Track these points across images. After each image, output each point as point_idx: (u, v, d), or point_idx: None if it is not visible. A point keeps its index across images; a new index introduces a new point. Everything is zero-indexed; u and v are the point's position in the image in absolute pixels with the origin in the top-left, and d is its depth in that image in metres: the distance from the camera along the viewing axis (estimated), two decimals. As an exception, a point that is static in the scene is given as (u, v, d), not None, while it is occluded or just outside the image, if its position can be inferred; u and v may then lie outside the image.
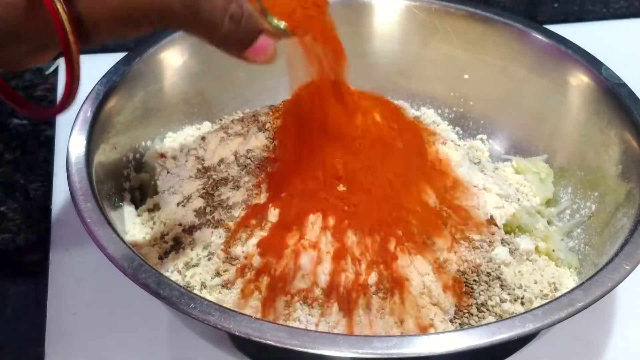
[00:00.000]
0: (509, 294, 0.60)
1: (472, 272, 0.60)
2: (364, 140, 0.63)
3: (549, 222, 0.70)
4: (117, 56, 0.70)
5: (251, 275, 0.57)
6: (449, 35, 0.79)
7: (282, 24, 0.54)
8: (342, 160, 0.62)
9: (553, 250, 0.65)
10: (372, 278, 0.57)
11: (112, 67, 0.69)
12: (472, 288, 0.59)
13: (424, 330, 0.56)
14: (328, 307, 0.56)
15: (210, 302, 0.50)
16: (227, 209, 0.62)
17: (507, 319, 0.50)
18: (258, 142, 0.66)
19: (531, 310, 0.50)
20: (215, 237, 0.60)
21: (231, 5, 0.50)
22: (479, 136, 0.80)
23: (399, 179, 0.62)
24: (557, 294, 0.61)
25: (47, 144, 0.83)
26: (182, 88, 0.75)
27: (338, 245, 0.58)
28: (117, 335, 0.63)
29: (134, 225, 0.65)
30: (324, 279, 0.57)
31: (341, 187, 0.61)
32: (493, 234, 0.64)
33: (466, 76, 0.80)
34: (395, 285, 0.57)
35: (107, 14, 0.47)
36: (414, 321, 0.56)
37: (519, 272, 0.62)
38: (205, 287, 0.58)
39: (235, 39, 0.51)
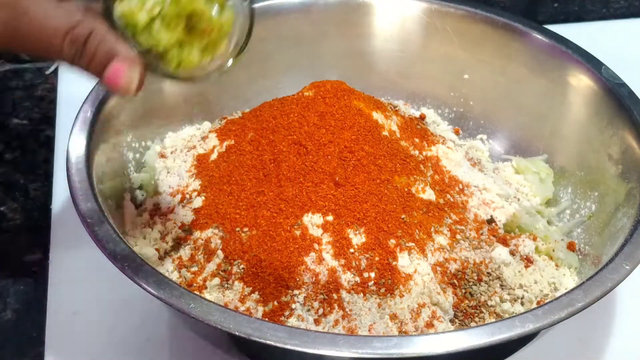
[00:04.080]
0: (509, 294, 0.60)
1: (472, 272, 0.60)
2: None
3: (549, 222, 0.70)
4: (117, 56, 0.70)
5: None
6: (449, 35, 0.79)
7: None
8: (334, 163, 0.62)
9: (553, 250, 0.65)
10: (372, 277, 0.57)
11: (112, 67, 0.68)
12: (472, 288, 0.59)
13: (423, 330, 0.56)
14: (328, 306, 0.56)
15: (210, 302, 0.50)
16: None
17: (507, 319, 0.50)
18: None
19: (531, 310, 0.50)
20: (215, 237, 0.60)
21: (76, 28, 0.45)
22: (479, 136, 0.80)
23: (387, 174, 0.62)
24: (557, 294, 0.61)
25: (47, 144, 0.83)
26: (182, 88, 0.75)
27: (338, 245, 0.58)
28: (117, 335, 0.63)
29: (134, 226, 0.65)
30: (324, 278, 0.57)
31: (335, 189, 0.61)
32: (493, 234, 0.64)
33: (466, 76, 0.80)
34: (395, 284, 0.57)
35: None
36: (414, 321, 0.56)
37: (519, 272, 0.62)
38: (205, 287, 0.58)
39: (82, 64, 0.46)
